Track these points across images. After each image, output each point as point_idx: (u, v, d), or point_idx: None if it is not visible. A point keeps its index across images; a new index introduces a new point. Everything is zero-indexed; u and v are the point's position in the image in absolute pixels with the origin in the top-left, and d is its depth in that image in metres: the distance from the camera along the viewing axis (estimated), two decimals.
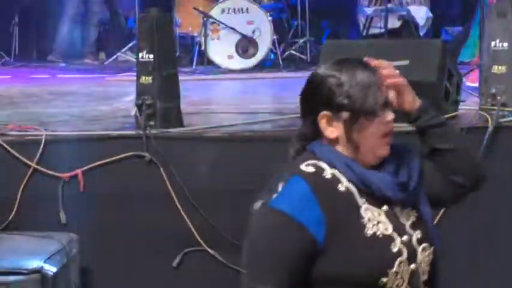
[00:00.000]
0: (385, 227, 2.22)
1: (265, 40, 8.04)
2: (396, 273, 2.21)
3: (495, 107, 4.66)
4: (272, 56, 8.32)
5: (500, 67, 4.76)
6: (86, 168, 4.56)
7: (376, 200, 2.24)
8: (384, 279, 2.19)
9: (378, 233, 2.21)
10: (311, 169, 2.22)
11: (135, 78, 4.82)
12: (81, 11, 8.85)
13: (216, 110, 5.71)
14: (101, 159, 4.55)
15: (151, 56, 4.72)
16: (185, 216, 4.42)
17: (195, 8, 8.19)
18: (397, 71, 2.32)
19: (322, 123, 2.25)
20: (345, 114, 2.22)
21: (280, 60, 8.19)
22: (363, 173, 2.23)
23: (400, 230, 2.24)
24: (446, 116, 4.51)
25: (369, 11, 8.31)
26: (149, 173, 4.52)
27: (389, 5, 8.21)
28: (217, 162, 4.54)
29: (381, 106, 2.24)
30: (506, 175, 4.30)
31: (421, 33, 8.11)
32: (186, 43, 8.53)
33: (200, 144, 4.60)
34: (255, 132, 4.65)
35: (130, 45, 8.47)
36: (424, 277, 2.27)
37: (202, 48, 8.08)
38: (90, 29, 8.93)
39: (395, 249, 2.21)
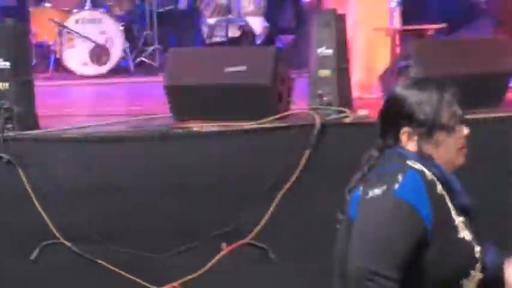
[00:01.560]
0: (467, 234, 2.22)
1: (117, 48, 7.99)
2: (473, 277, 2.20)
3: (322, 106, 4.77)
4: (124, 63, 8.25)
5: (325, 71, 4.86)
6: None
7: (456, 209, 2.23)
8: (465, 281, 2.19)
9: (466, 238, 2.21)
10: (419, 167, 2.21)
11: None
12: None
13: (71, 113, 5.60)
14: None
15: (7, 63, 4.61)
16: (42, 213, 4.32)
17: (50, 19, 8.04)
18: None
19: (404, 137, 2.26)
20: (422, 130, 2.24)
21: (131, 67, 8.15)
22: (450, 181, 2.24)
23: (475, 239, 2.24)
24: (280, 115, 4.59)
25: (211, 21, 8.34)
26: (7, 173, 4.39)
27: (229, 16, 8.28)
28: (72, 161, 4.46)
29: (456, 122, 2.25)
30: (332, 166, 4.39)
31: (258, 42, 8.19)
32: (43, 51, 8.33)
33: (56, 145, 4.50)
34: (107, 132, 4.58)
35: None
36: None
37: (58, 56, 7.95)
38: None
39: (477, 255, 2.21)
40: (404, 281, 2.12)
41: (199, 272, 4.42)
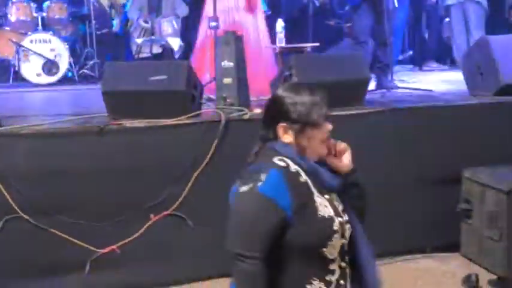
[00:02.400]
0: (329, 211, 2.15)
1: (64, 62, 7.91)
2: (333, 245, 2.14)
3: (226, 107, 4.78)
4: (70, 74, 8.13)
5: (228, 79, 4.88)
6: None
7: (322, 190, 2.18)
8: (324, 249, 2.13)
9: (326, 214, 2.13)
10: (283, 163, 2.13)
11: None
12: None
13: (28, 114, 5.45)
14: None
15: None
16: (5, 193, 4.19)
17: (10, 39, 7.90)
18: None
19: (280, 131, 2.18)
20: (297, 126, 2.17)
21: (75, 77, 8.04)
22: (315, 168, 2.18)
23: (337, 213, 2.18)
24: (193, 113, 4.58)
25: (139, 41, 8.26)
26: None
27: (153, 37, 8.21)
28: (29, 152, 4.34)
29: (322, 119, 2.19)
30: (235, 152, 4.38)
31: (176, 57, 8.14)
32: (4, 65, 8.18)
33: (16, 139, 4.36)
34: (57, 129, 4.48)
35: None
36: (346, 248, 2.21)
37: (17, 68, 7.81)
38: None
39: (335, 227, 2.14)
40: (274, 255, 2.11)
41: (132, 237, 4.38)
